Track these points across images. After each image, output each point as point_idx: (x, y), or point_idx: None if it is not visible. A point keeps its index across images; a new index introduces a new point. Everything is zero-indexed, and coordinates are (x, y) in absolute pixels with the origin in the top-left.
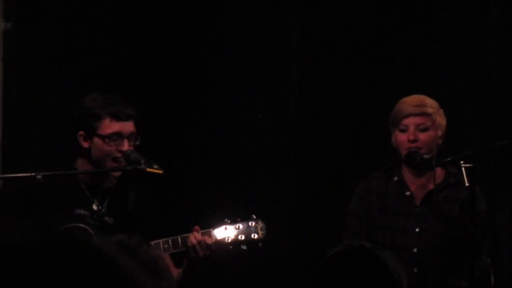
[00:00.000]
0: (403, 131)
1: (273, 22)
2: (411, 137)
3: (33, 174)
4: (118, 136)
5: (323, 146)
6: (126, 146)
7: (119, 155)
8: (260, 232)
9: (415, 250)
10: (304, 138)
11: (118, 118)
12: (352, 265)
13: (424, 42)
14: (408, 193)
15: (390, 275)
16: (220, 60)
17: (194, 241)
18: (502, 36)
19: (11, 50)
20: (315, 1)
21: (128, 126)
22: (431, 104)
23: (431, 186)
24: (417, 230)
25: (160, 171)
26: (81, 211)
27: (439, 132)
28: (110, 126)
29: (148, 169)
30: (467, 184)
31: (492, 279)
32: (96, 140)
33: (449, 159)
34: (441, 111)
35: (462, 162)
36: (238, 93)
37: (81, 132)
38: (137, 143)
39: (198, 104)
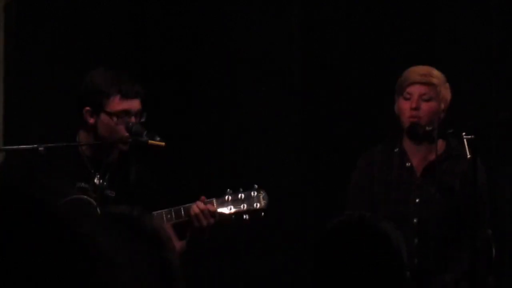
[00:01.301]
0: (407, 99)
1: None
2: (414, 105)
3: (35, 146)
4: (126, 113)
5: (327, 118)
6: (133, 122)
7: (126, 133)
8: (262, 202)
9: (415, 221)
10: (308, 110)
11: (126, 95)
12: (352, 235)
13: (425, 15)
14: (409, 164)
15: (390, 244)
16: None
17: (197, 210)
18: (502, 12)
19: (12, 23)
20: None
21: (135, 104)
22: (437, 75)
23: (432, 158)
24: (417, 200)
25: (162, 144)
26: (83, 184)
27: (442, 105)
28: (119, 104)
29: (150, 141)
30: (468, 156)
31: (494, 250)
32: (103, 117)
33: (450, 131)
34: (447, 84)
35: (463, 133)
36: (241, 67)
37: (88, 108)
38: (143, 119)
39: (199, 79)
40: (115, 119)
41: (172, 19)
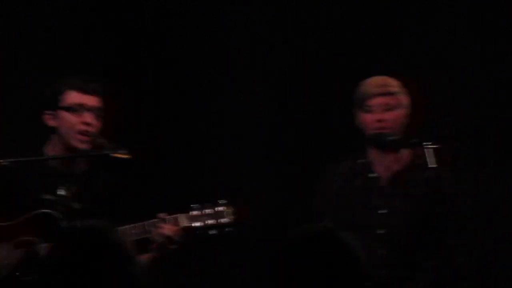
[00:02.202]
0: (368, 111)
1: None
2: (376, 117)
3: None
4: (81, 107)
5: (293, 129)
6: (89, 118)
7: (83, 127)
8: (228, 217)
9: (382, 232)
10: (273, 120)
11: (80, 90)
12: (312, 246)
13: (388, 28)
14: (374, 174)
15: (350, 255)
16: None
17: (162, 231)
18: (470, 15)
19: None
20: None
21: (91, 100)
22: (394, 83)
23: (397, 167)
24: (384, 211)
25: (128, 156)
26: (49, 196)
27: (404, 111)
28: (72, 97)
29: (115, 155)
30: (430, 165)
31: (460, 259)
32: (61, 114)
33: (415, 140)
34: (404, 90)
35: (427, 143)
36: (208, 76)
37: (48, 112)
38: (102, 121)
39: (166, 88)
40: (72, 113)
41: (146, 24)
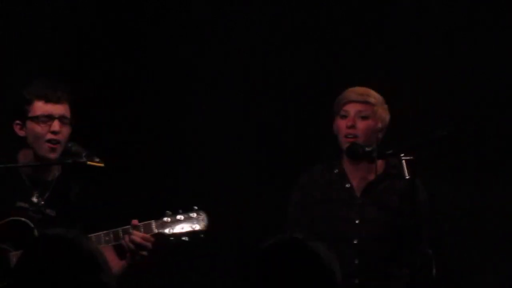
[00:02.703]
0: (344, 117)
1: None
2: (350, 123)
3: None
4: (48, 117)
5: (267, 136)
6: (57, 127)
7: (51, 136)
8: (201, 223)
9: (355, 241)
10: (247, 128)
11: (47, 99)
12: (283, 256)
13: (367, 36)
14: (348, 184)
15: (321, 264)
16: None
17: (132, 238)
18: (442, 29)
19: None
20: None
21: (58, 108)
22: (375, 95)
23: (371, 177)
24: (357, 221)
25: (101, 164)
26: (22, 204)
27: (379, 125)
28: (39, 108)
29: (89, 162)
30: (407, 177)
31: (434, 269)
32: (29, 124)
33: (389, 151)
34: (386, 106)
35: (402, 155)
36: (188, 86)
37: (17, 121)
38: (71, 126)
39: (141, 94)
40: (38, 123)
41: (125, 28)
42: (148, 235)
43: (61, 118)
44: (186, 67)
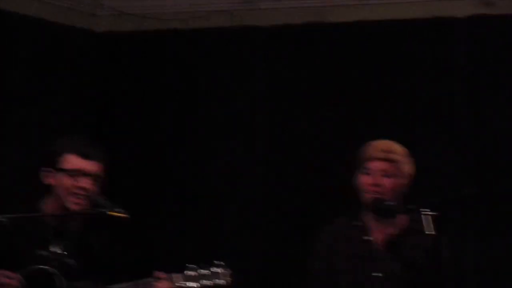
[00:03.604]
0: (367, 174)
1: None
2: (374, 182)
3: None
4: (80, 172)
5: (290, 191)
6: (89, 184)
7: (78, 191)
8: (224, 278)
9: None
10: (271, 184)
11: (81, 155)
12: None
13: (390, 88)
14: (370, 238)
15: None
16: (193, 108)
17: None
18: (469, 84)
19: None
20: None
21: (91, 165)
22: (398, 151)
23: (393, 232)
24: (380, 275)
25: (126, 216)
26: (44, 252)
27: (404, 181)
28: (72, 162)
29: (113, 214)
30: (427, 232)
31: None
32: (59, 175)
33: (413, 206)
34: (410, 159)
35: (426, 210)
36: (205, 138)
37: (46, 169)
38: (100, 185)
39: (161, 147)
40: (69, 177)
41: (132, 85)
42: (171, 287)
43: (94, 176)
44: (214, 121)
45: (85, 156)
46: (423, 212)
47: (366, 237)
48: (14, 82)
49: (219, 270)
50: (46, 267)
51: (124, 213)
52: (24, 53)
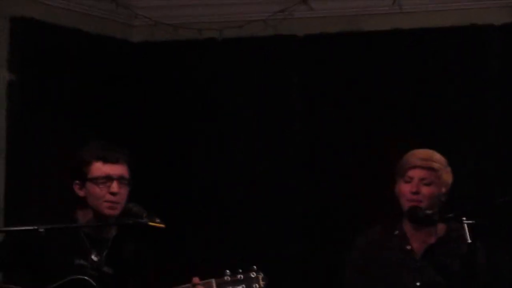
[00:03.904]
0: (407, 182)
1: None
2: (414, 189)
3: (35, 227)
4: (107, 178)
5: (325, 196)
6: (115, 188)
7: (110, 197)
8: (261, 283)
9: None
10: (307, 189)
11: (105, 160)
12: None
13: (425, 96)
14: (408, 247)
15: None
16: (223, 106)
17: None
18: (503, 92)
19: (15, 102)
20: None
21: (116, 169)
22: (439, 160)
23: (432, 240)
24: (418, 284)
25: (163, 225)
26: (81, 261)
27: (443, 189)
28: (98, 169)
29: (150, 223)
30: (468, 241)
31: None
32: (88, 185)
33: (451, 215)
34: (449, 168)
35: (464, 218)
36: (239, 148)
37: (76, 181)
38: (130, 186)
39: (199, 156)
40: (98, 185)
41: (168, 93)
42: None
43: (119, 179)
44: (249, 129)
45: (108, 160)
46: (464, 221)
47: (405, 246)
48: (52, 92)
49: (253, 275)
50: (83, 276)
51: (161, 223)
52: (61, 63)
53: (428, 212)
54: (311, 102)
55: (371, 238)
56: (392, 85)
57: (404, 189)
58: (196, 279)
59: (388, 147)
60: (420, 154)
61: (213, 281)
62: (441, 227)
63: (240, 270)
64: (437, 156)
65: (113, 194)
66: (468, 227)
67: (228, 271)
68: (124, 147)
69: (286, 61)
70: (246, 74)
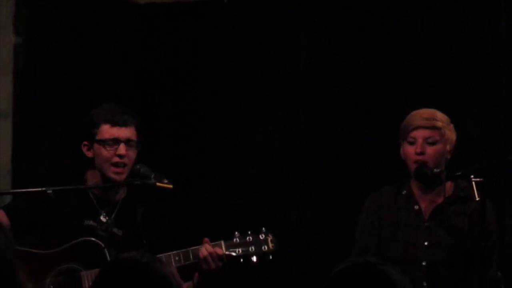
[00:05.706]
0: (411, 143)
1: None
2: (419, 150)
3: (43, 189)
4: (115, 141)
5: (332, 158)
6: (123, 150)
7: (117, 159)
8: (270, 245)
9: (424, 264)
10: (313, 152)
11: (114, 123)
12: (357, 282)
13: (432, 56)
14: (416, 207)
15: None
16: (230, 79)
17: (206, 253)
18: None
19: (21, 65)
20: (322, 19)
21: (124, 132)
22: (441, 118)
23: (440, 200)
24: (426, 243)
25: (170, 186)
26: (90, 222)
27: (448, 147)
28: (106, 131)
29: (158, 184)
30: (477, 199)
31: None
32: (96, 146)
33: (459, 173)
34: (451, 126)
35: (472, 176)
36: (247, 110)
37: (85, 142)
38: (138, 149)
39: (207, 118)
40: (105, 147)
41: (174, 55)
42: (220, 253)
43: (127, 142)
44: (257, 87)
45: (117, 123)
46: (472, 179)
47: (413, 206)
48: (58, 55)
49: (262, 236)
50: (93, 238)
51: (169, 184)
52: (67, 25)
53: (436, 171)
54: (318, 62)
55: (380, 199)
56: (401, 45)
57: (409, 150)
58: (207, 239)
59: (396, 107)
60: (421, 114)
61: (223, 242)
62: (449, 187)
63: (249, 232)
64: (439, 114)
65: (119, 156)
66: (476, 185)
67: (237, 233)
68: (133, 109)
69: (293, 21)
70: (254, 34)
